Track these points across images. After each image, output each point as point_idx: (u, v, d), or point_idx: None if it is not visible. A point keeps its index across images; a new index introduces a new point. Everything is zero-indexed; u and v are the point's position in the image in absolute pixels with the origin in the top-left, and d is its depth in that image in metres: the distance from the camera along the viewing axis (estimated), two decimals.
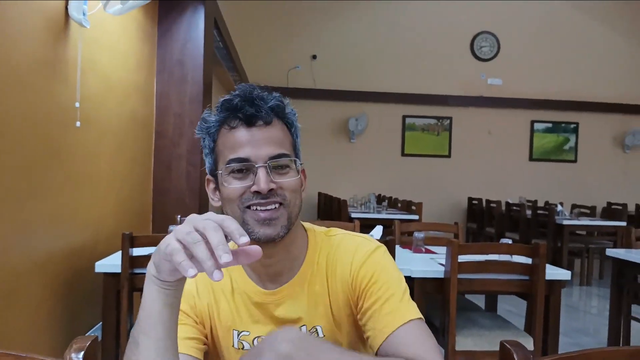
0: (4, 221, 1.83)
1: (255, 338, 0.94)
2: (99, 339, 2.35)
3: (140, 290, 2.38)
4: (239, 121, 0.89)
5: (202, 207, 3.64)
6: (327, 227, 1.03)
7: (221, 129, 0.91)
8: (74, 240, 2.42)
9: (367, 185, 7.53)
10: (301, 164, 0.94)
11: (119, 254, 2.24)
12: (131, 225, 3.10)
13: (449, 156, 8.10)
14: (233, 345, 0.95)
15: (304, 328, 0.94)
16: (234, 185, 0.88)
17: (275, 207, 0.88)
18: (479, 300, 3.02)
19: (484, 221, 7.06)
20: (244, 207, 0.88)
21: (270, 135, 0.89)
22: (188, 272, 0.63)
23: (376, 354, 0.89)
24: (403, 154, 8.07)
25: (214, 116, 0.92)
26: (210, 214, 0.69)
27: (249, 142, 0.88)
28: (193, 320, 0.94)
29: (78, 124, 2.35)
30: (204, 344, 0.95)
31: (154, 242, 2.32)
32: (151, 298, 0.74)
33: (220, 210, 0.90)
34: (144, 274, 2.34)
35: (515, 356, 0.86)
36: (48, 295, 2.19)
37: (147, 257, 2.19)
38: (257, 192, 0.87)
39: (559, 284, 2.43)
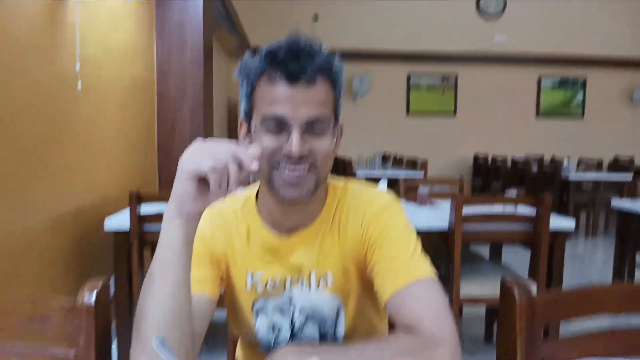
0: (12, 183, 1.85)
1: (268, 279, 0.96)
2: (112, 292, 2.42)
3: (150, 245, 2.41)
4: (281, 76, 0.85)
5: None
6: (345, 180, 1.03)
7: (261, 78, 0.87)
8: (82, 200, 2.45)
9: (373, 144, 7.52)
10: (339, 124, 0.91)
11: (127, 212, 2.27)
12: (138, 185, 3.13)
13: (454, 114, 8.04)
14: (246, 289, 0.97)
15: (314, 273, 0.95)
16: (265, 142, 0.86)
17: (304, 169, 0.87)
18: (484, 253, 3.06)
19: (489, 177, 7.06)
20: (273, 165, 0.87)
21: (311, 96, 0.85)
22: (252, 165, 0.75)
23: (384, 307, 0.89)
24: (408, 113, 8.01)
25: (255, 62, 0.88)
26: (217, 144, 0.75)
27: (288, 100, 0.84)
28: (209, 262, 0.95)
29: (80, 86, 2.34)
30: (221, 283, 0.97)
31: (161, 199, 2.36)
32: (170, 235, 0.76)
33: None
34: (153, 232, 2.36)
35: (515, 291, 0.88)
36: (60, 254, 2.24)
37: (155, 216, 2.24)
38: (288, 155, 0.85)
39: (563, 234, 2.45)
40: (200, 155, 0.74)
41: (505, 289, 0.90)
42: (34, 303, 0.86)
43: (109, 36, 2.79)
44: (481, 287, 2.32)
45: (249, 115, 0.91)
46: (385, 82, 7.84)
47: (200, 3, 3.57)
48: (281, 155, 0.86)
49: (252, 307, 0.98)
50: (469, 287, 2.30)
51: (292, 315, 0.97)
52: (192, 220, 0.78)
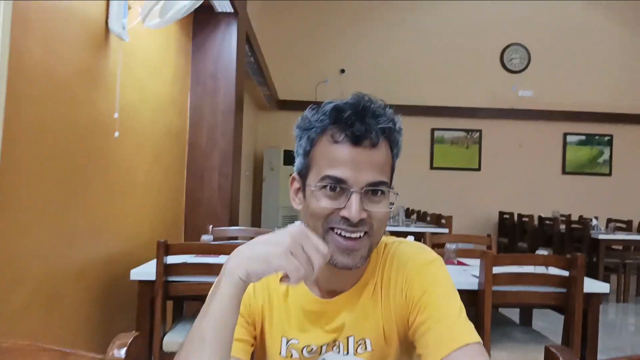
0: (47, 228, 1.88)
1: (304, 347, 0.93)
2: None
3: (173, 298, 2.39)
4: (345, 137, 0.83)
5: (233, 218, 3.68)
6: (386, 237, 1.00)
7: (323, 137, 0.86)
8: (111, 249, 2.47)
9: (396, 199, 7.47)
10: (396, 193, 0.90)
11: (153, 262, 2.28)
12: (164, 234, 3.15)
13: (479, 169, 8.00)
14: (280, 353, 0.94)
15: (351, 339, 0.92)
16: (323, 203, 0.84)
17: (360, 237, 0.85)
18: (513, 316, 2.95)
19: (515, 236, 6.92)
20: (328, 227, 0.85)
21: (374, 159, 0.84)
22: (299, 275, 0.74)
23: None
24: (432, 167, 8.00)
25: (318, 119, 0.87)
26: (302, 232, 0.76)
27: (351, 162, 0.83)
28: (245, 321, 0.93)
29: (117, 134, 2.41)
30: (252, 345, 0.95)
31: (188, 251, 2.36)
32: (229, 295, 0.75)
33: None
34: (178, 281, 2.35)
35: (560, 358, 0.84)
36: (87, 301, 2.24)
37: (181, 265, 2.25)
38: (345, 218, 0.83)
39: (597, 298, 2.36)
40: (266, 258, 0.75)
41: (549, 358, 0.86)
42: (64, 356, 0.85)
43: (147, 85, 2.89)
44: (511, 356, 2.22)
45: (304, 173, 0.90)
46: (409, 136, 7.70)
47: (234, 55, 3.70)
48: (339, 218, 0.84)
49: None
50: (499, 355, 2.21)
51: None
52: (241, 285, 0.77)
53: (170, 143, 3.35)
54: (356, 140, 0.83)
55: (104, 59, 2.31)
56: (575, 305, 2.21)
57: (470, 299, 2.31)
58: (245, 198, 7.01)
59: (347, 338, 0.92)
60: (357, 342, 0.92)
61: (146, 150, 2.90)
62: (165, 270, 2.21)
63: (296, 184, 0.93)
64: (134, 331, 0.90)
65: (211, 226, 2.95)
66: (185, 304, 2.72)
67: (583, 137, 8.11)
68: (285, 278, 0.77)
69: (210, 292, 0.78)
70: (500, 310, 2.96)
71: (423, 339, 0.86)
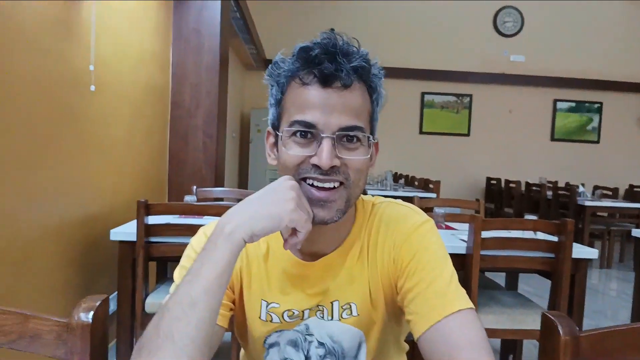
0: (16, 188, 1.79)
1: (285, 311, 0.87)
2: (113, 309, 2.34)
3: (156, 259, 2.32)
4: (314, 78, 0.78)
5: (218, 179, 3.59)
6: (373, 197, 0.94)
7: (292, 81, 0.80)
8: (88, 208, 2.38)
9: (384, 163, 7.42)
10: (375, 139, 0.83)
11: (134, 223, 2.20)
12: (147, 194, 3.06)
13: (468, 135, 7.95)
14: (260, 317, 0.88)
15: (337, 303, 0.86)
16: (293, 151, 0.78)
17: (335, 187, 0.78)
18: (499, 280, 2.95)
19: (502, 201, 6.94)
20: (300, 178, 0.78)
21: (347, 101, 0.78)
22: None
23: (417, 340, 0.80)
24: (421, 132, 7.94)
25: (286, 63, 0.81)
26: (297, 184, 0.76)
27: (320, 105, 0.77)
28: None
29: (93, 87, 2.29)
30: (230, 310, 0.88)
31: (170, 211, 2.29)
32: (227, 260, 0.70)
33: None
34: (161, 242, 2.27)
35: (559, 328, 0.79)
36: (63, 262, 2.17)
37: (163, 226, 2.17)
38: (316, 166, 0.77)
39: (584, 263, 2.34)
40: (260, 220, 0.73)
41: (547, 325, 0.81)
42: (25, 319, 0.78)
43: (125, 37, 2.75)
44: (497, 320, 2.21)
45: (277, 124, 0.83)
46: (398, 99, 7.77)
47: (218, 9, 3.54)
48: (309, 167, 0.78)
49: (265, 340, 0.89)
50: (487, 319, 2.19)
51: (308, 350, 0.88)
52: (242, 247, 0.73)
53: (152, 100, 3.22)
54: (325, 81, 0.77)
55: (77, 8, 2.16)
56: (563, 270, 2.19)
57: (458, 263, 2.27)
58: (232, 159, 6.90)
59: (332, 303, 0.86)
60: (342, 307, 0.86)
61: (125, 105, 2.78)
62: (147, 230, 2.13)
63: (271, 139, 0.86)
64: (114, 296, 0.83)
65: (195, 187, 2.87)
66: (169, 265, 2.66)
67: (573, 104, 8.06)
68: (290, 238, 0.76)
69: (200, 255, 0.72)
70: (487, 274, 2.95)
71: (412, 305, 0.81)
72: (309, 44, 0.80)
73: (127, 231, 2.20)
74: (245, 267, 0.89)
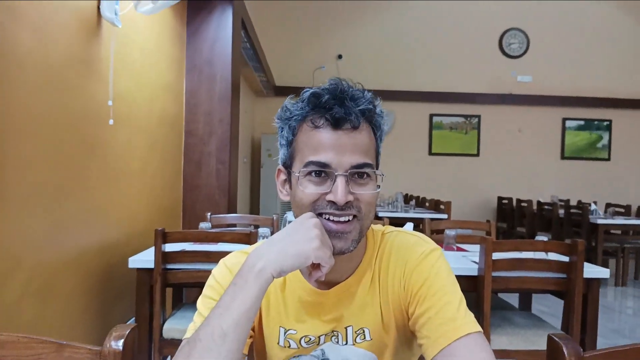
0: (41, 217, 1.86)
1: (302, 337, 0.92)
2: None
3: (172, 285, 2.37)
4: (325, 121, 0.83)
5: (231, 205, 3.66)
6: (383, 227, 0.99)
7: (303, 124, 0.86)
8: (107, 236, 2.45)
9: (394, 184, 7.47)
10: (382, 173, 0.88)
11: (151, 250, 2.26)
12: (162, 222, 3.13)
13: (477, 155, 7.98)
14: (279, 343, 0.93)
15: (350, 329, 0.91)
16: (309, 190, 0.84)
17: (349, 220, 0.84)
18: (513, 300, 2.96)
19: (514, 220, 6.92)
20: (316, 214, 0.84)
21: (356, 142, 0.83)
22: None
23: None
24: (430, 153, 7.98)
25: (297, 107, 0.86)
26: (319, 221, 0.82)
27: (333, 146, 0.82)
28: None
29: (111, 121, 2.38)
30: (250, 337, 0.93)
31: (186, 238, 2.35)
32: (256, 295, 0.77)
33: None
34: (177, 269, 2.33)
35: (565, 349, 0.83)
36: (83, 289, 2.23)
37: (180, 253, 2.23)
38: (332, 202, 0.83)
39: (597, 282, 2.35)
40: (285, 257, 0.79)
41: (553, 347, 0.85)
42: (60, 348, 0.83)
43: (141, 71, 2.85)
44: (511, 340, 2.22)
45: (289, 163, 0.89)
46: (407, 122, 7.85)
47: (230, 41, 3.65)
48: (326, 203, 0.83)
49: None
50: (500, 340, 2.21)
51: None
52: (270, 282, 0.79)
53: (166, 130, 3.32)
54: (336, 124, 0.83)
55: (97, 46, 2.27)
56: (575, 290, 2.20)
57: (470, 285, 2.30)
58: (243, 185, 6.99)
59: (346, 328, 0.91)
60: (355, 332, 0.91)
61: (141, 137, 2.87)
62: (164, 257, 2.20)
63: (282, 176, 0.92)
64: (131, 322, 0.88)
65: (209, 214, 2.93)
66: (185, 291, 2.71)
67: (582, 122, 8.08)
68: (314, 272, 0.82)
69: (230, 289, 0.78)
70: (500, 295, 2.96)
71: (424, 330, 0.85)
72: (318, 90, 0.86)
73: (144, 259, 2.26)
74: (264, 299, 0.94)
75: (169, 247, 2.24)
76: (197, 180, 3.61)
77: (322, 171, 0.83)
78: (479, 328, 0.84)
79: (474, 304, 2.31)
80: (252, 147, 7.86)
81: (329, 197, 0.83)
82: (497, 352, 2.20)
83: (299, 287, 0.92)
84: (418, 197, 6.84)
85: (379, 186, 0.89)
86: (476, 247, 2.78)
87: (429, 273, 0.88)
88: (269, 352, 0.94)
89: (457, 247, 2.85)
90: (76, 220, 2.14)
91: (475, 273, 2.30)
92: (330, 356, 0.91)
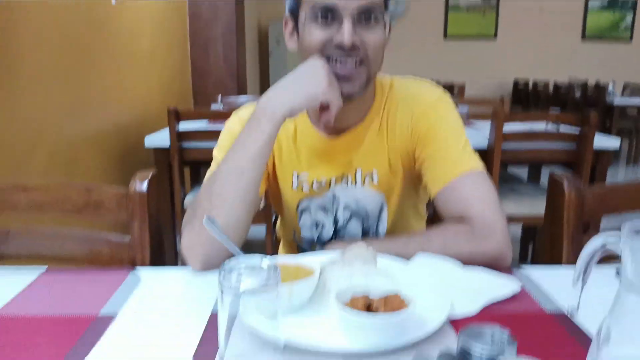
0: (59, 101, 1.90)
1: (314, 180, 0.96)
2: None
3: (189, 163, 2.44)
4: None
5: (240, 88, 3.64)
6: (392, 76, 1.00)
7: None
8: (122, 118, 2.50)
9: (408, 70, 7.28)
10: (389, 14, 0.87)
11: (166, 130, 2.30)
12: (174, 105, 3.15)
13: (495, 37, 7.67)
14: (292, 187, 0.98)
15: (359, 171, 0.95)
16: (315, 34, 0.83)
17: (355, 64, 0.84)
18: (522, 175, 3.01)
19: (529, 103, 6.83)
20: (324, 58, 0.84)
21: None
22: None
23: (433, 200, 0.90)
24: (446, 37, 7.69)
25: None
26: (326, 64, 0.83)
27: None
28: None
29: (114, 2, 2.31)
30: (266, 181, 0.99)
31: (199, 116, 2.38)
32: (269, 133, 0.81)
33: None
34: (192, 148, 2.38)
35: (565, 185, 0.86)
36: (103, 167, 2.32)
37: (194, 132, 2.27)
38: (339, 46, 0.82)
39: (607, 155, 2.36)
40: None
41: (554, 183, 0.88)
42: (89, 190, 0.89)
43: None
44: (518, 206, 2.29)
45: (295, 12, 0.88)
46: (421, 4, 7.48)
47: None
48: (332, 47, 0.83)
49: (297, 206, 1.00)
50: (507, 206, 2.28)
51: (336, 213, 0.98)
52: (281, 122, 0.82)
53: (171, 12, 3.22)
54: None
55: None
56: (584, 160, 2.23)
57: (480, 158, 2.33)
58: (253, 72, 6.89)
59: (355, 171, 0.95)
60: (364, 175, 0.95)
61: (145, 19, 2.80)
62: (179, 136, 2.24)
63: (290, 25, 0.92)
64: (153, 169, 0.93)
65: (220, 95, 2.93)
66: (202, 169, 2.79)
67: (605, 2, 7.62)
68: (324, 114, 0.84)
69: (244, 131, 0.82)
70: (509, 170, 3.01)
71: (429, 170, 0.90)
72: None
73: (160, 137, 2.31)
74: (276, 147, 0.98)
75: (184, 127, 2.28)
76: (205, 64, 3.57)
77: (328, 13, 0.82)
78: (482, 167, 0.88)
79: None
80: (259, 35, 7.63)
81: (336, 39, 0.82)
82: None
83: (310, 135, 0.95)
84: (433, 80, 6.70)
85: (389, 32, 0.89)
86: (488, 124, 2.79)
87: (436, 117, 0.91)
88: (284, 196, 1.00)
89: (469, 122, 2.85)
90: (90, 100, 2.17)
91: (485, 146, 2.32)
92: (341, 197, 0.97)
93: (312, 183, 0.97)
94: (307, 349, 0.58)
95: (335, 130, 0.95)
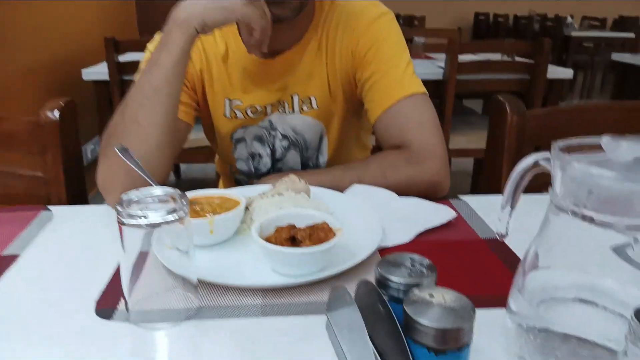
0: None
1: (247, 107, 0.90)
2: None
3: None
4: None
5: None
6: None
7: None
8: (59, 51, 2.32)
9: None
10: None
11: (105, 63, 2.15)
12: (118, 34, 2.97)
13: None
14: (225, 115, 0.91)
15: (296, 97, 0.89)
16: None
17: None
18: (477, 108, 3.00)
19: (489, 36, 6.77)
20: None
21: None
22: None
23: (373, 125, 0.85)
24: None
25: None
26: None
27: None
28: (185, 85, 0.88)
29: None
30: (195, 110, 0.91)
31: (140, 48, 2.22)
32: (181, 47, 0.73)
33: None
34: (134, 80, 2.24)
35: (507, 107, 0.83)
36: (40, 99, 2.17)
37: (136, 63, 2.13)
38: None
39: (559, 85, 2.37)
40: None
41: (496, 106, 0.85)
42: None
43: None
44: (471, 140, 2.29)
45: None
46: None
47: None
48: None
49: (231, 136, 0.94)
50: (459, 139, 2.28)
51: (273, 143, 0.93)
52: (194, 36, 0.73)
53: None
54: None
55: None
56: (537, 89, 2.22)
57: (435, 90, 2.30)
58: None
59: (292, 97, 0.89)
60: (302, 100, 0.89)
61: None
62: (119, 68, 2.10)
63: None
64: (96, 138, 0.85)
65: None
66: None
67: None
68: (248, 39, 0.77)
69: (157, 47, 0.74)
70: (465, 103, 3.00)
71: (370, 93, 0.85)
72: None
73: (99, 70, 2.17)
74: (205, 69, 0.90)
75: (125, 59, 2.13)
76: None
77: None
78: (424, 90, 0.83)
79: (437, 108, 2.33)
80: None
81: None
82: (456, 151, 2.29)
83: (242, 57, 0.88)
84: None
85: None
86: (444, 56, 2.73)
87: (377, 36, 0.85)
88: (216, 124, 0.93)
89: (425, 55, 2.79)
90: (24, 34, 1.99)
91: (440, 77, 2.28)
92: (277, 126, 0.91)
93: (246, 110, 0.90)
94: (224, 285, 0.54)
95: (270, 52, 0.87)
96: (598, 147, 0.41)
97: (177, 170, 3.07)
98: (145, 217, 0.46)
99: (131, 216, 0.46)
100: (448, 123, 2.24)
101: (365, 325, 0.45)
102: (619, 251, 0.41)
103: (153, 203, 0.48)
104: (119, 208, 0.46)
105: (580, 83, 5.71)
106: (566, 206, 0.39)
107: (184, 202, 0.48)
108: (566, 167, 0.39)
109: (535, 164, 0.43)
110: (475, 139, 2.29)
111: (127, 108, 0.73)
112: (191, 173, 3.18)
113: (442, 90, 2.25)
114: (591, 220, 0.38)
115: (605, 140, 0.40)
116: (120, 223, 0.46)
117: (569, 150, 0.42)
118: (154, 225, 0.46)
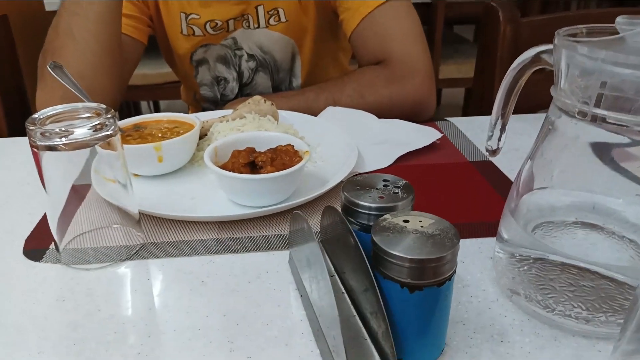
0: None
1: (207, 22, 0.79)
2: None
3: None
4: None
5: None
6: None
7: None
8: None
9: None
10: None
11: None
12: None
13: None
14: (182, 32, 0.81)
15: (261, 8, 0.78)
16: None
17: None
18: (468, 35, 2.86)
19: None
20: None
21: None
22: None
23: (349, 39, 0.75)
24: None
25: None
26: None
27: None
28: None
29: None
30: (148, 26, 0.81)
31: None
32: None
33: None
34: None
35: (500, 13, 0.74)
36: None
37: None
38: None
39: None
40: None
41: (488, 12, 0.75)
42: None
43: None
44: (462, 69, 2.19)
45: None
46: None
47: None
48: None
49: (191, 57, 0.83)
50: (449, 69, 2.18)
51: (239, 65, 0.83)
52: None
53: None
54: None
55: None
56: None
57: (423, 14, 2.17)
58: None
59: (256, 8, 0.78)
60: (268, 12, 0.79)
61: None
62: None
63: None
64: None
65: None
66: None
67: None
68: None
69: None
70: (456, 30, 2.86)
71: (345, 1, 0.74)
72: None
73: None
74: None
75: None
76: None
77: None
78: None
79: (427, 34, 2.21)
80: None
81: None
82: (445, 81, 2.19)
83: None
84: None
85: None
86: None
87: None
88: (173, 43, 0.83)
89: None
90: None
91: (429, 0, 2.14)
92: (243, 44, 0.81)
93: (205, 26, 0.80)
94: (172, 217, 0.47)
95: None
96: (610, 34, 0.33)
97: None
98: (64, 136, 0.37)
99: (45, 136, 0.38)
100: (437, 51, 2.12)
101: (331, 260, 0.39)
102: (629, 165, 0.34)
103: (72, 120, 0.40)
104: (29, 126, 0.38)
105: None
106: (572, 106, 0.31)
107: (112, 119, 0.40)
108: (574, 56, 0.31)
109: (536, 58, 0.35)
110: (466, 69, 2.18)
111: (61, 19, 0.63)
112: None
113: (431, 15, 2.12)
114: (603, 120, 0.30)
115: (620, 21, 0.31)
116: (33, 146, 0.38)
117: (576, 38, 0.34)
118: (75, 146, 0.38)
